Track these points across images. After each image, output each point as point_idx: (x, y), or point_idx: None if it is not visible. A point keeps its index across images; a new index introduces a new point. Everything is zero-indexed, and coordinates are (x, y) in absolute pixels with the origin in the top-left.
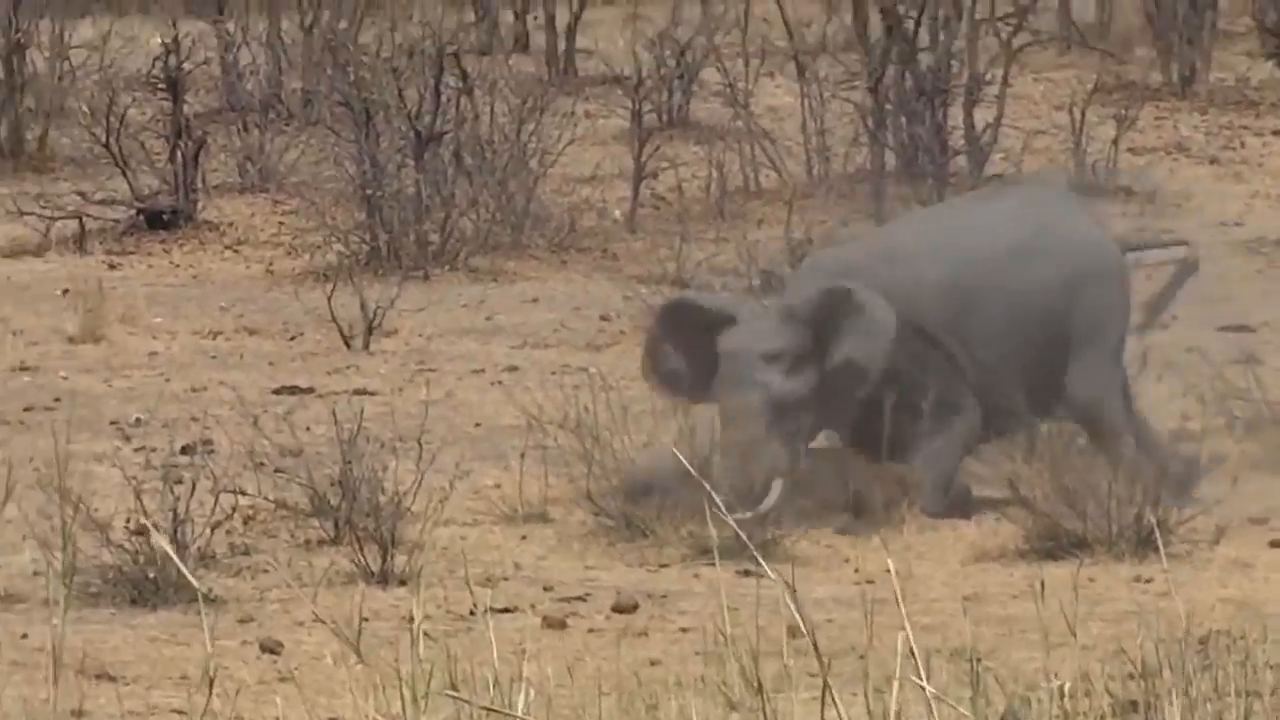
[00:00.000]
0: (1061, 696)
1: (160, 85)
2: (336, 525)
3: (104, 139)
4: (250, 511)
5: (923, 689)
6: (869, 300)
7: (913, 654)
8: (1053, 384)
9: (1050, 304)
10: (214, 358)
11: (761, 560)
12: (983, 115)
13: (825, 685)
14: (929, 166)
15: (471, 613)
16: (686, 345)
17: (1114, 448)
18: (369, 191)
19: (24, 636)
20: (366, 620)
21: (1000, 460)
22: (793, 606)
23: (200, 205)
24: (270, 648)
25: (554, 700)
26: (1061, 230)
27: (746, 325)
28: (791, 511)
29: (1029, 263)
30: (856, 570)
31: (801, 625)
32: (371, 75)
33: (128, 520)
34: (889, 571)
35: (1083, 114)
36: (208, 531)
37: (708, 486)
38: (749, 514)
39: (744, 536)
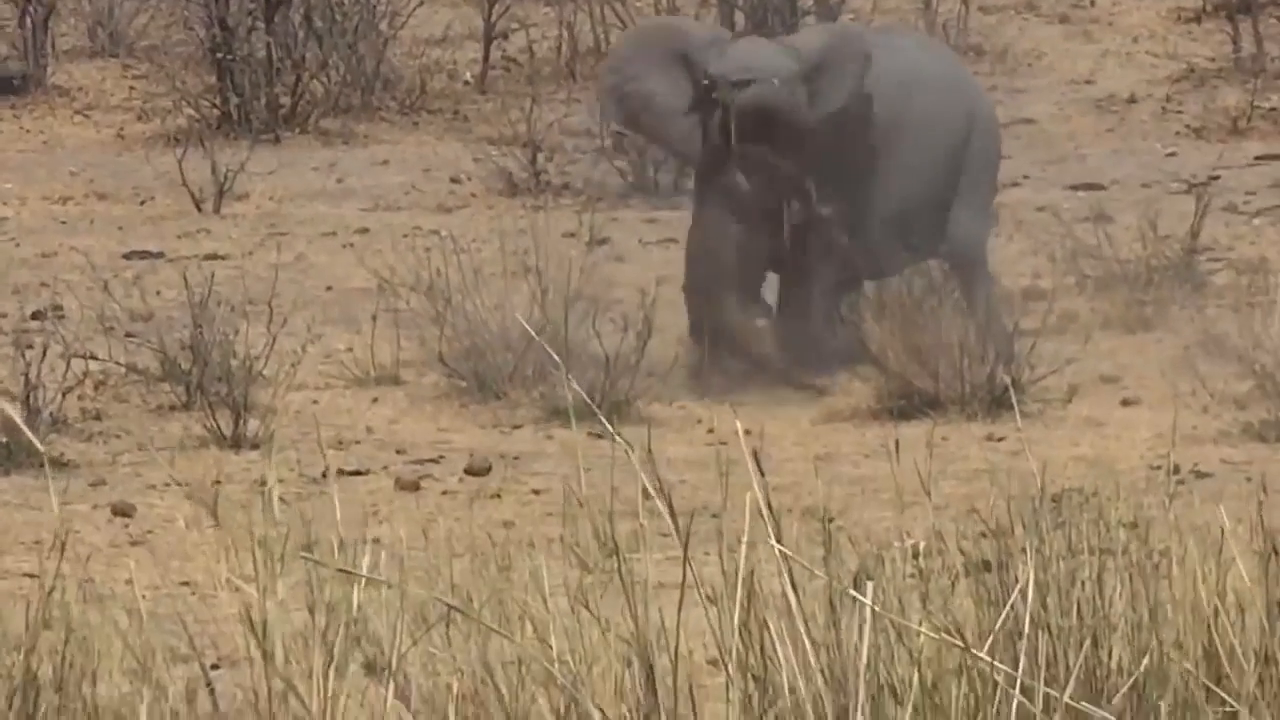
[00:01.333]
0: (915, 555)
1: None
2: (188, 390)
3: None
4: (101, 376)
5: (776, 549)
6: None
7: (764, 514)
8: (937, 225)
9: (956, 141)
10: (64, 223)
11: (609, 424)
12: None
13: (683, 547)
14: (779, 28)
15: (324, 476)
16: (662, 70)
17: (980, 296)
18: (219, 55)
19: None
20: (219, 484)
21: (851, 319)
22: (639, 470)
23: (50, 70)
24: (123, 511)
25: (406, 562)
26: (962, 72)
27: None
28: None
29: (950, 95)
30: (710, 431)
31: (650, 487)
32: None
33: None
34: (740, 432)
35: None
36: (59, 397)
37: (555, 355)
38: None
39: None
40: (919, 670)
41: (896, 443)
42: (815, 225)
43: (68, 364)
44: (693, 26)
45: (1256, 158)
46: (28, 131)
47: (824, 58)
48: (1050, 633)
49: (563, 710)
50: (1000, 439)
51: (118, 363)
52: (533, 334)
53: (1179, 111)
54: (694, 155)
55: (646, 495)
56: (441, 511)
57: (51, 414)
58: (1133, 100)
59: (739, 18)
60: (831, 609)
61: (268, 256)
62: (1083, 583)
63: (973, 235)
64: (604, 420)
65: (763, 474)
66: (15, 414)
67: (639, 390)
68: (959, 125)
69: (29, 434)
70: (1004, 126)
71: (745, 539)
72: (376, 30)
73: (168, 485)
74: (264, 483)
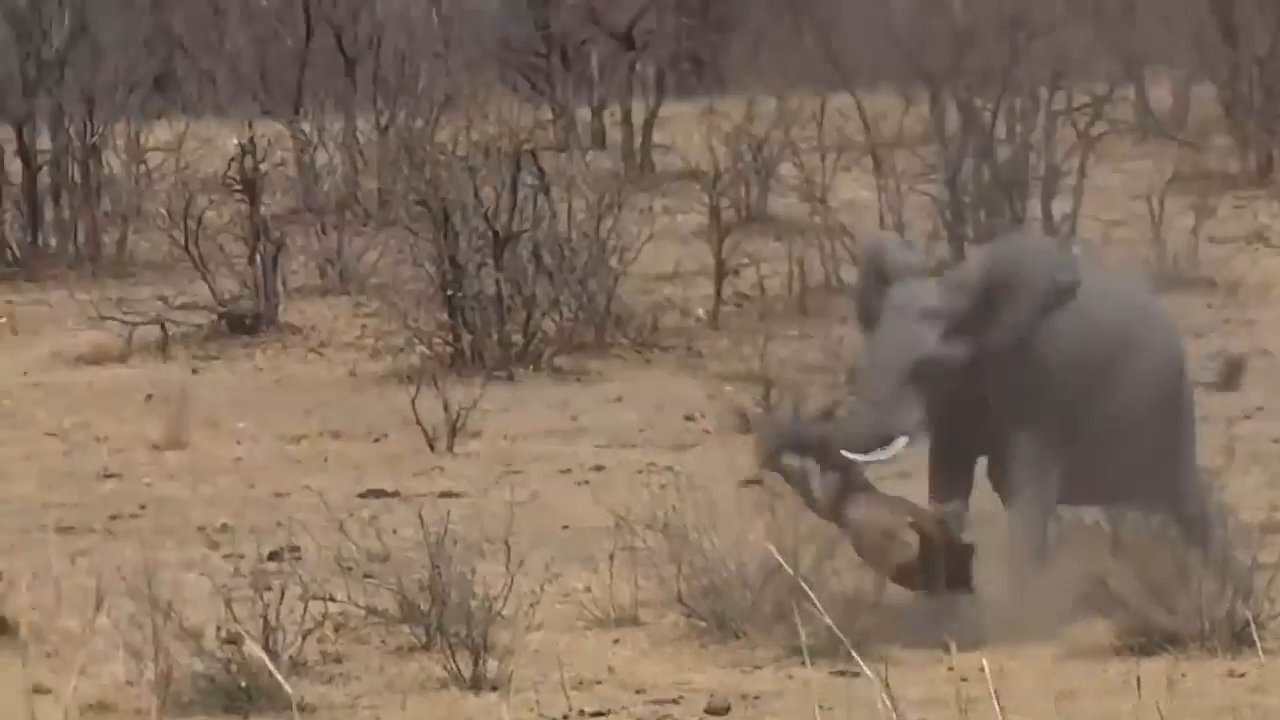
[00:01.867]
0: None
1: (237, 187)
2: (427, 631)
3: (183, 242)
4: (340, 618)
5: None
6: (1051, 260)
7: None
8: (1148, 468)
9: (1171, 383)
10: (298, 462)
11: (858, 657)
12: (1061, 206)
13: None
14: None
15: (565, 717)
16: (878, 289)
17: (1214, 534)
18: (449, 292)
19: None
20: None
21: (1088, 556)
22: (889, 703)
23: (281, 308)
24: None
25: None
26: (1168, 317)
27: (915, 281)
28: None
29: (1167, 334)
30: (950, 669)
31: None
32: (448, 174)
33: (218, 628)
34: (983, 670)
35: (1161, 204)
36: (299, 639)
37: (801, 582)
38: (860, 456)
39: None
40: None
41: (1138, 680)
42: (1014, 447)
43: (305, 606)
44: (896, 251)
45: None
46: (261, 370)
47: (993, 281)
48: None
49: None
50: (1241, 674)
51: (356, 604)
52: (783, 563)
53: None
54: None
55: None
56: None
57: (291, 656)
58: None
59: (969, 249)
60: None
61: (503, 494)
62: None
63: (1195, 483)
64: (853, 653)
65: (1003, 712)
66: (263, 656)
67: (878, 627)
68: (1173, 365)
69: (277, 676)
70: (1239, 358)
71: None
72: (607, 266)
73: None
74: None
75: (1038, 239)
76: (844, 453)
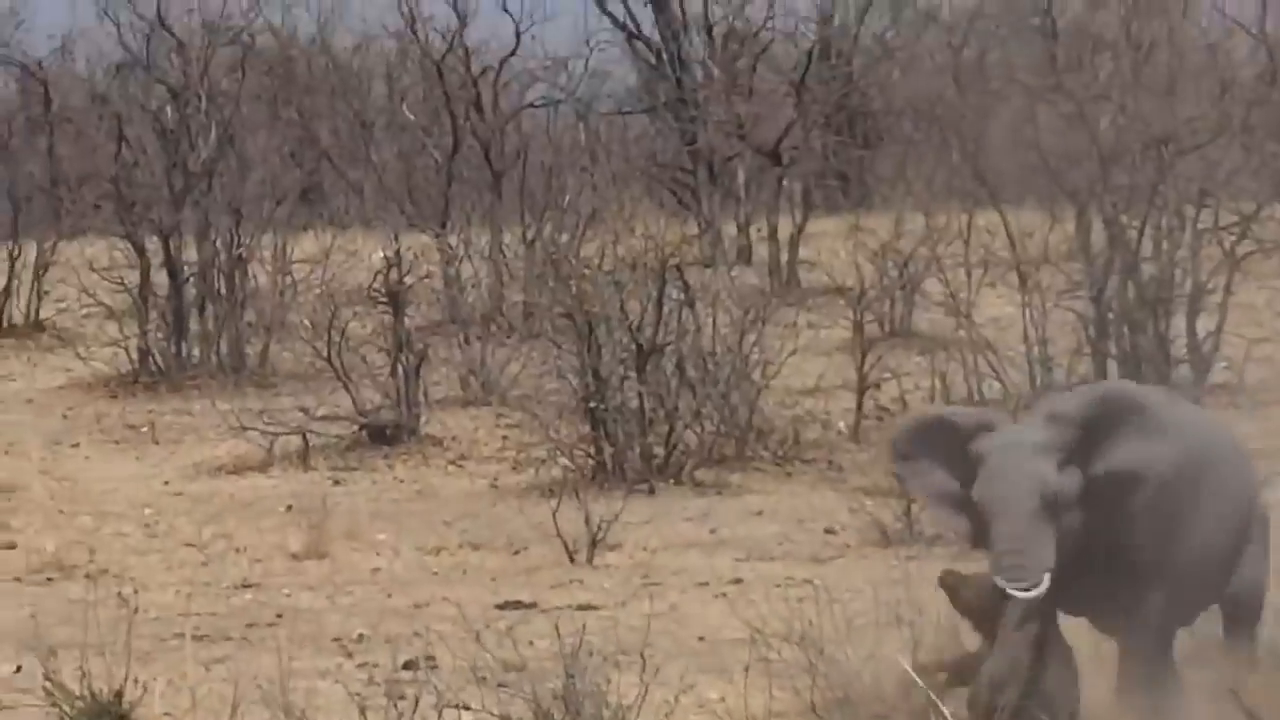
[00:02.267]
0: None
1: (382, 299)
2: None
3: (325, 353)
4: None
5: None
6: (1153, 399)
7: None
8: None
9: (1249, 507)
10: (436, 573)
11: None
12: (1205, 323)
13: None
14: (1152, 375)
15: None
16: (944, 461)
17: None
18: (592, 404)
19: None
20: None
21: (1222, 669)
22: None
23: (423, 419)
24: None
25: None
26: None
27: (1011, 428)
28: None
29: (1243, 466)
30: None
31: None
32: (593, 288)
33: None
34: None
35: None
36: None
37: (934, 696)
38: (1021, 593)
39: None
40: None
41: None
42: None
43: (440, 715)
44: (961, 415)
45: None
46: (401, 481)
47: (1085, 416)
48: None
49: None
50: None
51: (491, 713)
52: (917, 678)
53: None
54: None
55: None
56: None
57: None
58: None
59: (1112, 365)
60: None
61: (641, 607)
62: None
63: (1260, 589)
64: None
65: None
66: None
67: None
68: (1250, 492)
69: None
70: None
71: None
72: (749, 380)
73: None
74: None
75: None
76: (1009, 591)
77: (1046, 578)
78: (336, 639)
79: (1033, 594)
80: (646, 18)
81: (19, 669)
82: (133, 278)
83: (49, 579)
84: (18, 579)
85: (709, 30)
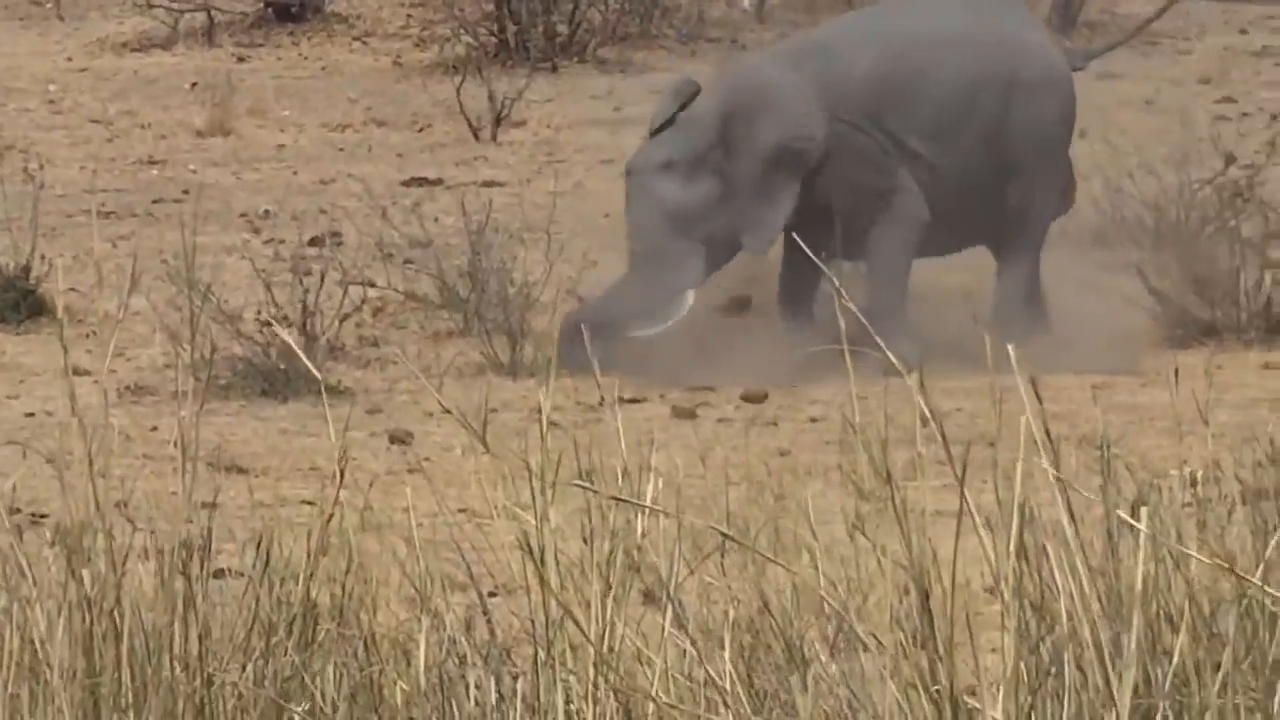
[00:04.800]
0: (1192, 483)
1: None
2: (465, 316)
3: None
4: (379, 303)
5: (1053, 476)
6: (768, 76)
7: (1042, 441)
8: (995, 201)
9: (987, 103)
10: (342, 150)
11: (886, 349)
12: None
13: (960, 475)
14: None
15: (600, 403)
16: None
17: (1006, 281)
18: None
19: (153, 429)
20: (495, 411)
21: (1128, 249)
22: (916, 397)
23: None
24: (399, 439)
25: (683, 490)
26: (1003, 30)
27: (653, 138)
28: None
29: (963, 54)
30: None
31: (929, 414)
32: None
33: (258, 312)
34: (1014, 360)
35: None
36: (337, 323)
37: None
38: (650, 331)
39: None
40: (1194, 598)
41: (1176, 371)
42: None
43: (345, 291)
44: (662, 104)
45: None
46: (306, 59)
47: (720, 114)
48: None
49: (837, 639)
50: (1278, 367)
51: (395, 289)
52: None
53: None
54: None
55: (923, 423)
56: (718, 439)
57: (329, 341)
58: None
59: None
60: (1108, 537)
61: (545, 184)
62: None
63: (1018, 204)
64: (880, 344)
65: (1040, 401)
66: (293, 341)
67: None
68: (981, 84)
69: (306, 361)
70: None
71: (1021, 465)
72: None
73: (444, 412)
74: (539, 410)
75: (769, 65)
76: (635, 333)
77: (688, 296)
78: (243, 215)
79: (666, 324)
80: None
81: None
82: None
83: None
84: None
85: None
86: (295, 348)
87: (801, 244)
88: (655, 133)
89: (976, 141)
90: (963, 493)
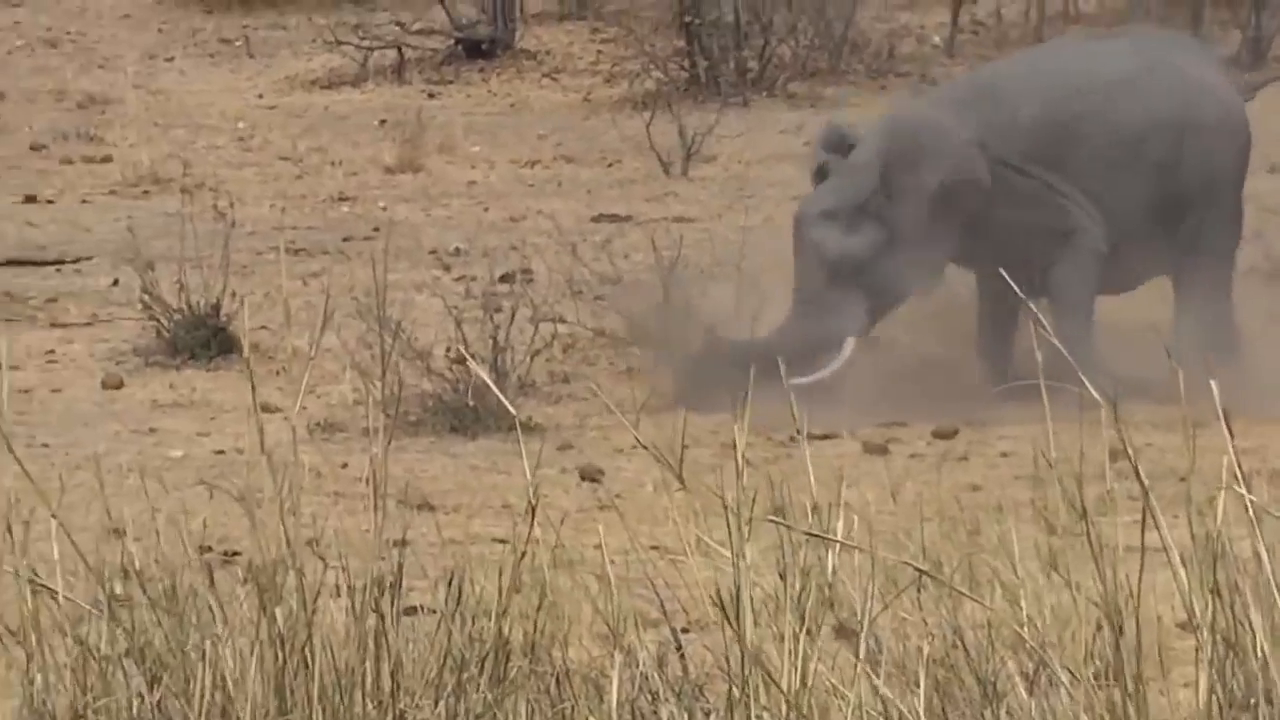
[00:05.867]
0: None
1: None
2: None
3: None
4: (570, 339)
5: (1247, 503)
6: (928, 121)
7: (1238, 474)
8: (1168, 238)
9: (1157, 145)
10: (532, 186)
11: (1087, 382)
12: None
13: (1147, 506)
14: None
15: (793, 439)
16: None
17: (1185, 317)
18: (687, 19)
19: (344, 466)
20: (687, 447)
21: None
22: (1116, 429)
23: (518, 34)
24: (591, 475)
25: (875, 526)
26: (1174, 71)
27: (818, 186)
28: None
29: (1133, 97)
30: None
31: (1125, 447)
32: None
33: (448, 349)
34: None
35: None
36: (527, 359)
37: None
38: (809, 379)
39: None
40: None
41: None
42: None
43: (536, 327)
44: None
45: None
46: (495, 95)
47: (881, 160)
48: None
49: (1032, 673)
50: None
51: (586, 326)
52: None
53: None
54: None
55: (1114, 457)
56: (909, 475)
57: (519, 377)
58: None
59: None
60: None
61: (735, 219)
62: None
63: (1194, 248)
64: (1082, 376)
65: (1232, 435)
66: (484, 377)
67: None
68: (1151, 126)
69: (500, 396)
70: None
71: (1217, 500)
72: None
73: (635, 449)
74: (733, 446)
75: (930, 110)
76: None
77: (849, 345)
78: (433, 252)
79: (824, 374)
80: None
81: (116, 282)
82: None
83: (145, 192)
84: (113, 192)
85: None
86: (488, 381)
87: (1001, 280)
88: (817, 181)
89: (1145, 184)
90: (1157, 525)
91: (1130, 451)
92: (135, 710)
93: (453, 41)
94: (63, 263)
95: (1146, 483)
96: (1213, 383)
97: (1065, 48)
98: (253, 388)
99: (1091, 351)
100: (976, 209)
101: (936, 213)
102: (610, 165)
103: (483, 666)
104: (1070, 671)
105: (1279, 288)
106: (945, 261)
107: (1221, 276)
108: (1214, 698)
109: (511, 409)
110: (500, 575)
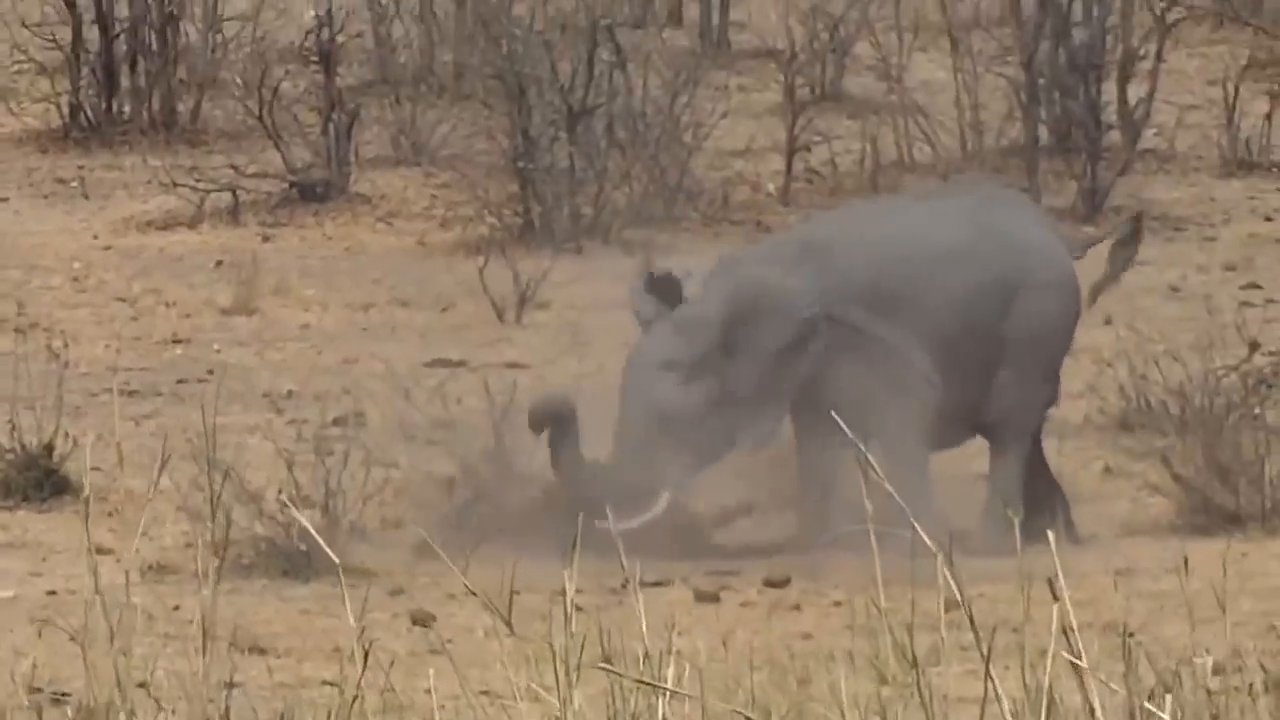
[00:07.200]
0: (1213, 672)
1: (313, 57)
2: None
3: (257, 111)
4: (402, 484)
5: (1075, 665)
6: (770, 283)
7: (1067, 630)
8: (987, 394)
9: (985, 309)
10: (366, 330)
11: (920, 531)
12: (1136, 90)
13: (985, 661)
14: (1082, 141)
15: (623, 586)
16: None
17: (1001, 470)
18: (521, 165)
19: (175, 608)
20: (518, 593)
21: (1152, 436)
22: (950, 579)
23: (353, 178)
24: (422, 620)
25: (706, 674)
26: (1003, 235)
27: (652, 333)
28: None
29: (963, 264)
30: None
31: (959, 597)
32: (524, 48)
33: (280, 492)
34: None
35: (1236, 90)
36: (360, 504)
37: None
38: (624, 526)
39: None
40: None
41: (1185, 560)
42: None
43: (368, 471)
44: (640, 303)
45: None
46: (330, 239)
47: (725, 316)
48: None
49: None
50: None
51: (420, 470)
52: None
53: None
54: None
55: (947, 608)
56: (740, 623)
57: (351, 522)
58: None
59: (1043, 131)
60: None
61: (570, 366)
62: None
63: (1004, 405)
64: (915, 525)
65: (1062, 589)
66: (309, 524)
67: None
68: (978, 295)
69: (320, 542)
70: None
71: (1051, 651)
72: (679, 141)
73: (466, 594)
74: (563, 592)
75: (773, 258)
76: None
77: (664, 499)
78: (266, 395)
79: (635, 523)
80: None
81: None
82: (65, 34)
83: None
84: None
85: None
86: (312, 531)
87: (821, 432)
88: (645, 325)
89: (974, 343)
90: (989, 677)
91: (963, 602)
92: None
93: (287, 185)
94: None
95: (980, 633)
96: (1049, 534)
97: (896, 210)
98: (86, 529)
99: (926, 500)
100: (812, 368)
101: (775, 373)
102: (444, 310)
103: None
104: None
105: (1110, 440)
106: (780, 421)
107: (1031, 429)
108: None
109: (335, 557)
110: (330, 719)
